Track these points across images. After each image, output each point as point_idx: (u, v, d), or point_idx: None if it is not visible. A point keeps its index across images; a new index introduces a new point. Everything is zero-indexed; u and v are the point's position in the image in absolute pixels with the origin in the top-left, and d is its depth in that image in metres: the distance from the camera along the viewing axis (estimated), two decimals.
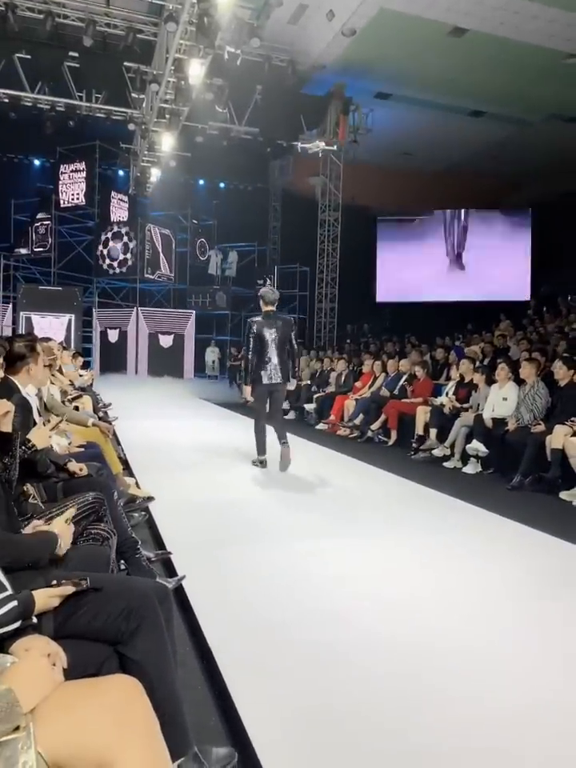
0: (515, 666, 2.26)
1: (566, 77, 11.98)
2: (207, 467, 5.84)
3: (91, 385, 9.47)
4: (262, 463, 5.74)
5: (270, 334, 5.68)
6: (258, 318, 5.73)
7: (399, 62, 11.90)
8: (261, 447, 5.79)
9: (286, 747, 1.77)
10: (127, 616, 1.49)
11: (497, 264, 17.45)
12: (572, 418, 5.28)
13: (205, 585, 2.90)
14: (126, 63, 11.51)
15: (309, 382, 10.94)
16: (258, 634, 2.44)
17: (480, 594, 2.94)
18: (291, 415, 10.63)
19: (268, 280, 18.96)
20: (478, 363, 7.58)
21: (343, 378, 9.88)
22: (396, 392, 8.31)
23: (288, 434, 5.71)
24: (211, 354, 18.68)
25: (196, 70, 9.30)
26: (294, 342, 5.86)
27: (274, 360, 5.67)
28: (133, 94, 11.86)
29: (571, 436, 5.09)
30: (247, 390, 5.89)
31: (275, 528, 3.92)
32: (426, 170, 17.16)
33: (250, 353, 5.69)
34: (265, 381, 5.68)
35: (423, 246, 17.88)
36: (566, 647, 2.42)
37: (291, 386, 6.06)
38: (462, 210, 17.58)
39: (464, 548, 3.64)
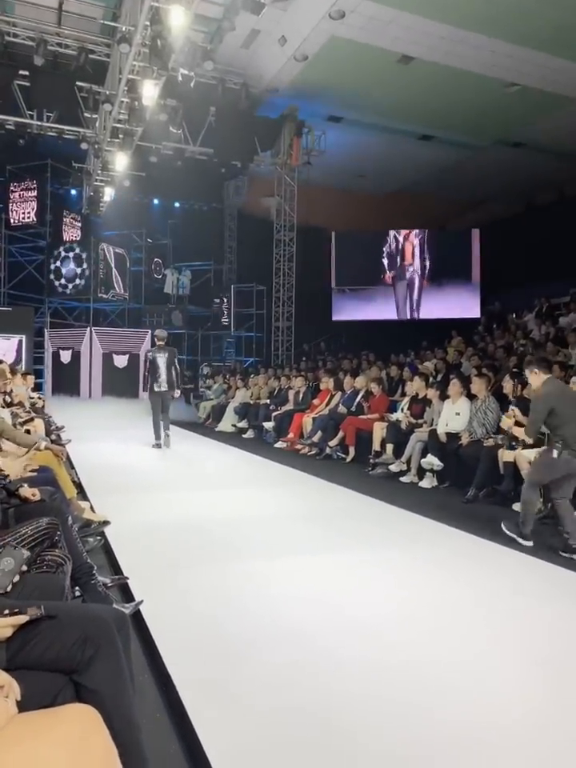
0: (477, 677, 2.29)
1: (508, 104, 12.52)
2: (164, 488, 5.76)
3: (43, 407, 9.25)
4: (157, 446, 8.27)
5: (161, 360, 8.40)
6: (153, 349, 8.70)
7: (350, 86, 12.22)
8: (156, 434, 8.31)
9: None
10: (83, 644, 1.45)
11: (448, 283, 17.91)
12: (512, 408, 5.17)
13: (163, 609, 2.85)
14: (78, 83, 11.45)
15: (267, 401, 10.94)
16: (219, 658, 2.41)
17: (439, 606, 2.98)
18: (250, 434, 10.60)
19: (224, 299, 19.00)
20: (431, 379, 7.75)
21: (301, 396, 9.93)
22: (353, 409, 8.40)
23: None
24: None
25: (150, 91, 9.32)
26: (176, 365, 8.54)
27: (163, 376, 8.34)
28: (85, 114, 11.78)
29: (522, 449, 5.23)
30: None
31: (234, 548, 3.89)
32: (379, 192, 17.58)
33: (147, 372, 8.50)
34: (156, 390, 8.36)
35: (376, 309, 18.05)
36: (524, 656, 2.47)
37: (176, 394, 8.69)
38: (417, 278, 17.85)
39: (423, 561, 3.69)
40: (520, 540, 4.14)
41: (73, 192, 17.24)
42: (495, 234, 16.96)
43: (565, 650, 2.54)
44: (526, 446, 5.24)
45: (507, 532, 4.21)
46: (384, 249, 17.76)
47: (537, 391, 4.41)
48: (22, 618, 1.45)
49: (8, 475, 2.39)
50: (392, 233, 17.67)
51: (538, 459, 4.41)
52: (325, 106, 13.32)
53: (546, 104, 12.44)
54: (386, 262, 17.78)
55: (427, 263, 17.71)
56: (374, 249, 17.78)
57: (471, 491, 5.53)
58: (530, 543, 4.12)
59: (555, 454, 4.09)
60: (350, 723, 1.98)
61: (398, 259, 17.79)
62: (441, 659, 2.42)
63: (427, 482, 6.30)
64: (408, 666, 2.35)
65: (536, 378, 4.40)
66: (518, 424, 4.81)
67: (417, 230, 17.71)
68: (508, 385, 5.91)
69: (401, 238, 17.73)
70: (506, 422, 4.94)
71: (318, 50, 11.09)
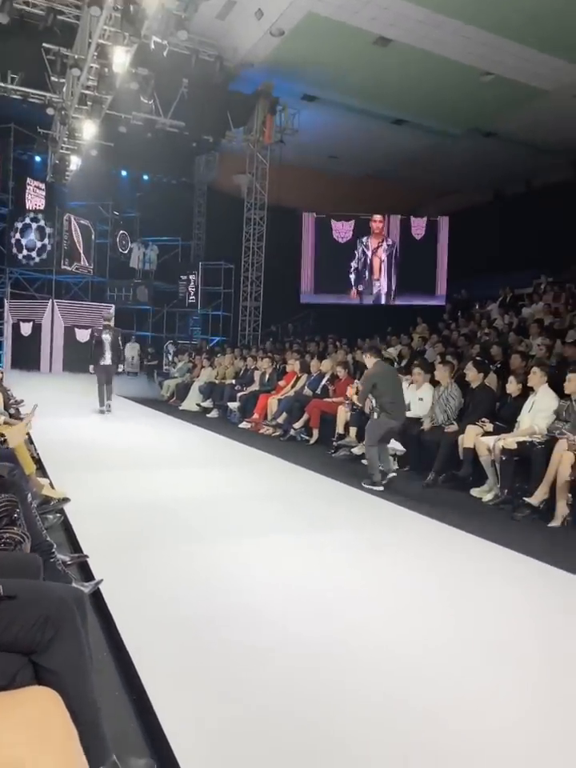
0: (436, 655, 2.35)
1: (482, 93, 12.59)
2: (126, 467, 5.70)
3: (1, 380, 9.01)
4: (101, 412, 9.36)
5: (106, 338, 9.62)
6: (100, 329, 9.85)
7: (326, 65, 12.08)
8: (100, 401, 9.48)
9: (208, 755, 1.75)
10: (44, 625, 1.43)
11: (415, 269, 18.07)
12: (483, 419, 5.55)
13: (123, 588, 2.83)
14: (45, 44, 11.01)
15: (233, 381, 10.89)
16: (179, 638, 2.41)
17: (399, 588, 3.04)
18: (214, 414, 10.56)
19: (191, 276, 18.76)
20: (395, 365, 7.83)
21: (267, 377, 9.92)
22: (318, 391, 8.43)
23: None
24: (131, 350, 18.22)
25: (120, 58, 9.03)
26: (119, 343, 9.96)
27: (108, 353, 9.55)
28: (52, 78, 11.36)
29: (482, 436, 5.35)
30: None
31: (196, 528, 3.88)
32: (350, 174, 17.53)
33: (94, 348, 9.70)
34: (102, 363, 9.54)
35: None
36: (482, 636, 2.54)
37: (119, 369, 10.41)
38: (383, 296, 17.95)
39: (383, 544, 3.75)
40: (374, 487, 5.31)
41: (37, 159, 16.69)
42: (463, 222, 17.14)
43: (518, 629, 2.63)
44: (485, 434, 5.38)
45: (364, 486, 5.32)
46: (352, 263, 17.80)
47: (368, 371, 5.80)
48: None
49: (5, 440, 2.36)
50: (361, 248, 17.67)
51: (368, 424, 5.65)
52: (300, 84, 13.15)
53: (519, 95, 12.55)
54: (352, 277, 17.83)
55: (393, 280, 17.84)
56: (343, 261, 17.80)
57: (431, 476, 5.63)
58: (380, 488, 5.31)
59: (376, 416, 5.53)
60: (310, 701, 2.01)
61: (367, 273, 17.86)
62: (401, 638, 2.48)
63: None
64: (369, 645, 2.40)
65: (369, 361, 5.80)
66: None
67: (385, 245, 17.73)
68: (472, 373, 6.01)
69: (369, 253, 17.76)
70: (350, 392, 6.33)
71: (294, 25, 10.91)
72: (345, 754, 1.77)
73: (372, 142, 15.46)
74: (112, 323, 10.07)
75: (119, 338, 9.88)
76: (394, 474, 5.53)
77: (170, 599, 2.76)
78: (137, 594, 2.80)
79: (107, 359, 9.51)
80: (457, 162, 15.99)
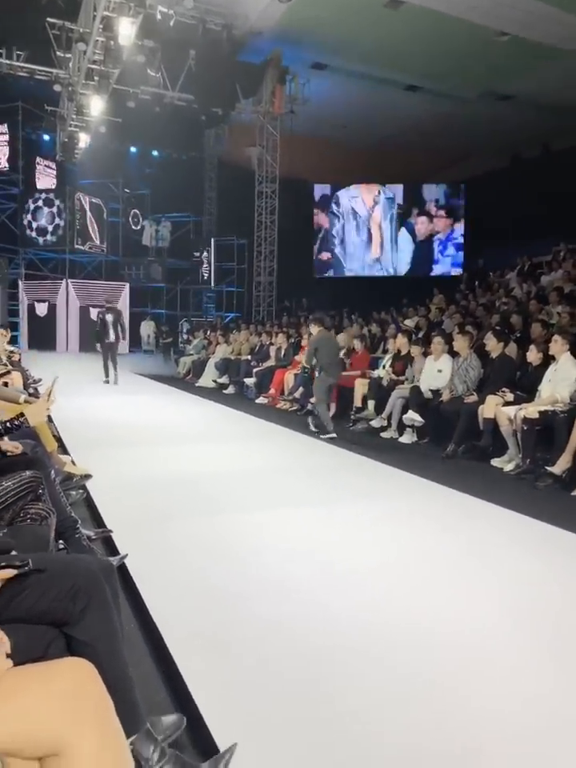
0: (462, 624, 2.35)
1: (498, 55, 12.18)
2: (146, 443, 5.74)
3: (19, 361, 9.08)
4: (106, 382, 10.45)
5: (109, 319, 10.75)
6: (103, 310, 11.03)
7: (336, 31, 11.75)
8: (106, 374, 10.59)
9: (234, 712, 1.78)
10: (74, 596, 1.44)
11: (431, 238, 17.82)
12: (503, 389, 5.49)
13: (147, 562, 2.86)
14: (49, 19, 10.83)
15: (249, 356, 10.88)
16: (206, 609, 2.43)
17: (423, 557, 3.04)
18: (231, 390, 10.58)
19: (204, 252, 18.65)
20: (413, 336, 7.75)
21: (283, 352, 9.89)
22: None
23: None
24: (146, 328, 18.27)
25: (126, 30, 8.88)
26: (121, 322, 11.15)
27: (111, 332, 10.68)
28: (58, 53, 11.21)
29: (502, 406, 5.30)
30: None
31: (218, 502, 3.90)
32: (363, 143, 17.17)
33: (99, 328, 10.90)
34: (106, 341, 10.63)
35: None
36: (504, 607, 2.54)
37: (122, 346, 11.85)
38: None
39: (404, 514, 3.75)
40: (323, 435, 6.20)
41: (46, 137, 16.56)
42: (479, 188, 16.77)
43: (544, 597, 2.62)
44: (506, 404, 5.32)
45: (321, 438, 6.19)
46: (363, 234, 17.87)
47: (312, 337, 6.88)
48: (9, 572, 1.42)
49: (26, 419, 2.39)
50: (371, 217, 17.55)
51: (315, 383, 6.76)
52: (309, 52, 12.84)
53: (536, 55, 12.12)
54: (362, 248, 17.99)
55: (407, 250, 17.81)
56: (354, 232, 17.84)
57: (451, 447, 5.60)
58: (333, 435, 6.14)
59: (318, 374, 6.65)
60: (338, 674, 2.02)
61: (378, 244, 17.84)
62: (428, 608, 2.48)
63: (407, 438, 6.36)
64: (395, 616, 2.40)
65: (314, 329, 6.84)
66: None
67: (396, 213, 17.54)
68: (492, 343, 5.92)
69: (381, 222, 17.76)
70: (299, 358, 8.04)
71: None
72: (367, 722, 1.78)
73: (384, 109, 15.10)
74: (116, 305, 11.51)
75: (120, 318, 11.13)
76: (334, 435, 6.25)
77: (194, 571, 2.78)
78: (161, 567, 2.82)
79: (111, 337, 10.66)
80: (471, 127, 15.57)
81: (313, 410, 6.96)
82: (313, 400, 6.99)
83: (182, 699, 1.89)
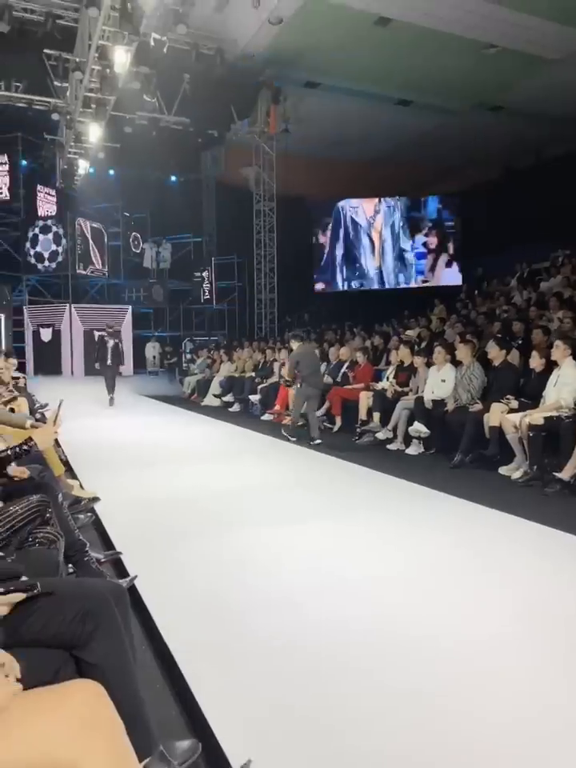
0: (472, 633, 2.33)
1: (486, 67, 12.32)
2: (152, 463, 5.75)
3: (25, 386, 9.14)
4: (111, 401, 10.90)
5: (109, 342, 11.19)
6: (103, 334, 11.50)
7: (327, 51, 11.94)
8: (109, 391, 11.01)
9: (249, 736, 1.76)
10: (83, 619, 1.44)
11: (428, 251, 17.90)
12: (507, 396, 5.49)
13: (157, 582, 2.85)
14: (46, 50, 11.04)
15: (253, 374, 10.91)
16: (215, 627, 2.42)
17: (432, 569, 3.02)
18: (236, 407, 10.59)
19: (205, 272, 18.79)
20: (416, 347, 7.77)
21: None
22: (338, 379, 8.40)
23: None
24: (152, 350, 18.35)
25: (121, 58, 9.04)
26: (120, 347, 11.51)
27: (109, 355, 11.12)
28: (55, 83, 11.41)
29: (507, 413, 5.29)
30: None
31: (227, 519, 3.90)
32: (358, 159, 17.33)
33: (98, 351, 11.36)
34: (107, 364, 11.13)
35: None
36: (517, 614, 2.52)
37: (122, 368, 12.35)
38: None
39: (414, 525, 3.73)
40: (291, 438, 6.92)
41: (46, 166, 16.79)
42: (474, 199, 16.87)
43: (557, 603, 2.60)
44: (510, 411, 5.32)
45: (284, 433, 7.02)
46: (362, 248, 18.02)
47: (293, 351, 7.46)
48: (19, 596, 1.43)
49: (35, 444, 2.41)
50: (370, 231, 17.73)
51: (295, 392, 7.42)
52: (301, 71, 13.03)
53: (524, 66, 12.27)
54: (363, 262, 18.12)
55: (406, 263, 18.00)
56: (354, 246, 18.04)
57: (458, 456, 5.58)
58: (294, 439, 6.91)
59: (299, 385, 7.22)
60: (349, 689, 2.00)
61: (377, 257, 17.98)
62: (439, 619, 2.46)
63: (414, 449, 6.35)
64: (407, 628, 2.39)
65: (294, 344, 7.46)
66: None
67: (394, 227, 17.66)
68: (494, 351, 5.93)
69: (380, 236, 17.86)
70: (284, 371, 8.52)
71: (293, 12, 10.79)
72: (379, 737, 1.77)
73: (377, 124, 15.25)
74: (116, 329, 12.35)
75: (119, 343, 11.72)
76: (320, 441, 6.77)
77: (205, 591, 2.77)
78: (172, 588, 2.82)
79: (109, 361, 11.23)
80: (464, 139, 15.69)
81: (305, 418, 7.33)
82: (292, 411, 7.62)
83: (195, 721, 1.88)
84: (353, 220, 18.02)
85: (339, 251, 18.11)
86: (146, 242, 18.92)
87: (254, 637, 2.33)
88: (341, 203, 18.01)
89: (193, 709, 1.92)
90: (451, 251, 17.84)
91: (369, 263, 18.03)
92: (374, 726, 1.80)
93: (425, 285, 17.65)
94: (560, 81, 12.58)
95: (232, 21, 11.43)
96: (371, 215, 17.98)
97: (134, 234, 18.79)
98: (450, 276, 17.72)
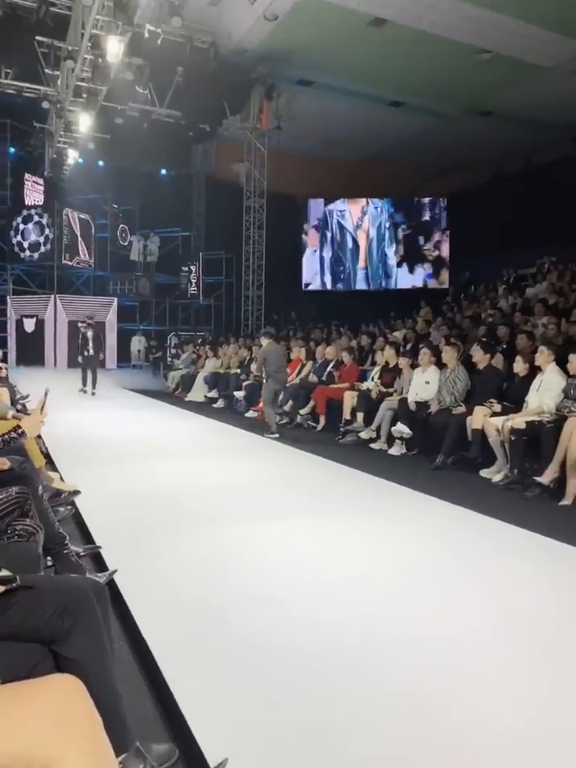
0: (450, 634, 2.35)
1: (479, 72, 12.40)
2: (135, 458, 5.72)
3: (6, 377, 9.03)
4: (83, 391, 11.26)
5: (89, 334, 11.51)
6: (84, 325, 11.83)
7: (322, 49, 11.92)
8: (83, 383, 11.39)
9: (226, 730, 1.76)
10: (62, 614, 1.43)
11: (416, 253, 18.00)
12: (490, 400, 5.53)
13: (137, 577, 2.84)
14: (38, 37, 10.90)
15: (238, 370, 10.89)
16: (194, 624, 2.42)
17: (412, 569, 3.04)
18: (220, 403, 10.57)
19: (192, 267, 18.70)
20: (401, 349, 7.81)
21: None
22: (324, 378, 8.42)
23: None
24: (137, 343, 18.24)
25: (114, 48, 8.94)
26: (100, 338, 11.88)
27: (90, 345, 11.42)
28: (46, 70, 11.27)
29: (490, 417, 5.34)
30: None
31: (208, 516, 3.88)
32: (349, 158, 17.36)
33: (80, 343, 11.69)
34: (86, 355, 11.42)
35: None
36: (494, 616, 2.54)
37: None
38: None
39: (394, 525, 3.75)
40: (269, 435, 7.08)
41: (34, 154, 16.59)
42: (463, 202, 16.98)
43: (535, 606, 2.63)
44: (493, 415, 5.36)
45: (265, 436, 7.08)
46: (350, 247, 18.07)
47: (261, 349, 7.85)
48: None
49: (23, 431, 2.38)
50: (359, 231, 17.75)
51: (263, 388, 7.72)
52: (296, 69, 13.00)
53: (517, 72, 12.35)
54: (349, 262, 18.20)
55: (395, 264, 18.08)
56: (343, 246, 18.11)
57: (440, 458, 5.62)
58: (277, 435, 7.10)
59: (265, 381, 7.58)
60: (328, 686, 2.01)
61: (364, 257, 18.04)
62: (418, 619, 2.48)
63: (396, 450, 6.39)
64: (385, 628, 2.40)
65: (264, 341, 7.77)
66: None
67: (384, 228, 17.66)
68: (479, 355, 5.98)
69: (368, 236, 17.93)
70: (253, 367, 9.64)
71: (289, 9, 10.76)
72: (362, 738, 1.77)
73: (370, 125, 15.28)
74: (96, 321, 12.61)
75: (100, 334, 12.12)
76: (277, 435, 7.17)
77: (184, 586, 2.77)
78: (151, 582, 2.80)
79: (90, 351, 11.46)
80: (455, 142, 15.78)
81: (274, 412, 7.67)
82: (262, 406, 8.05)
83: (172, 719, 1.87)
84: (340, 224, 18.08)
85: (327, 253, 18.16)
86: (133, 234, 18.78)
87: (235, 634, 2.33)
88: (329, 207, 18.04)
89: (169, 704, 1.91)
90: (439, 254, 17.95)
91: (356, 265, 18.08)
92: (358, 727, 1.81)
93: (411, 287, 17.74)
94: (551, 89, 12.70)
95: (227, 15, 11.38)
96: (359, 217, 18.03)
97: (121, 226, 18.65)
98: (438, 279, 17.83)
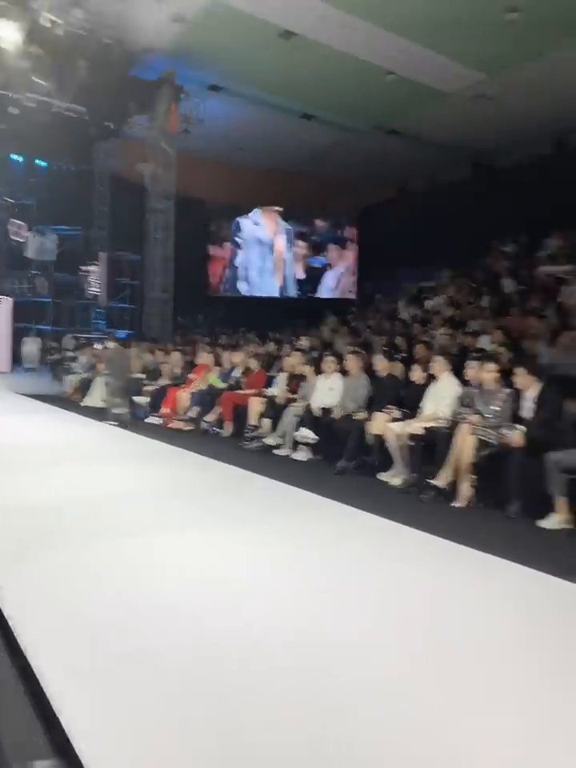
0: (353, 639, 2.37)
1: (384, 92, 12.88)
2: (25, 466, 5.37)
3: None
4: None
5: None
6: None
7: (231, 56, 11.93)
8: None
9: (116, 756, 1.66)
10: None
11: (324, 265, 18.41)
12: (389, 406, 5.68)
13: (22, 594, 2.64)
14: None
15: (142, 375, 10.56)
16: (85, 643, 2.28)
17: (312, 574, 3.04)
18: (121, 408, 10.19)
19: (93, 267, 18.01)
20: (307, 356, 7.90)
21: (179, 371, 9.71)
22: (232, 382, 8.35)
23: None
24: (31, 345, 17.25)
25: (10, 34, 8.48)
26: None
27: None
28: None
29: (389, 422, 5.50)
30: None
31: (105, 527, 3.70)
32: (258, 167, 17.46)
33: None
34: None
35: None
36: (389, 615, 2.59)
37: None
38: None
39: (296, 531, 3.76)
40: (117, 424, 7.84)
41: None
42: (369, 217, 17.55)
43: (427, 604, 2.71)
44: (393, 420, 5.53)
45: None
46: (258, 257, 18.29)
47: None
48: None
49: None
50: (267, 241, 17.92)
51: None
52: (205, 73, 12.94)
53: (420, 95, 12.94)
54: (256, 271, 18.38)
55: (300, 275, 18.46)
56: (251, 254, 18.30)
57: (342, 463, 5.72)
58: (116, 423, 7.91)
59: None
60: (228, 698, 1.95)
61: (273, 267, 18.31)
62: (315, 623, 2.48)
63: (301, 455, 6.43)
64: (284, 636, 2.38)
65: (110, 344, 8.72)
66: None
67: (291, 239, 17.95)
68: (381, 363, 6.16)
69: (277, 246, 18.16)
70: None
71: (197, 12, 10.69)
72: (257, 755, 1.74)
73: (279, 135, 15.46)
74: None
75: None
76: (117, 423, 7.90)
77: (71, 600, 2.61)
78: (37, 600, 2.62)
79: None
80: (362, 158, 16.29)
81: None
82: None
83: (58, 741, 1.75)
84: (251, 231, 18.16)
85: (237, 259, 18.18)
86: (30, 230, 17.81)
87: (128, 652, 2.22)
88: (241, 220, 18.12)
89: (54, 725, 1.78)
90: (344, 266, 18.43)
91: (265, 275, 18.21)
92: (257, 732, 1.77)
93: (318, 297, 18.09)
94: (451, 112, 13.42)
95: (133, 13, 11.10)
96: (270, 225, 18.18)
97: (16, 221, 17.63)
98: (343, 290, 18.31)
